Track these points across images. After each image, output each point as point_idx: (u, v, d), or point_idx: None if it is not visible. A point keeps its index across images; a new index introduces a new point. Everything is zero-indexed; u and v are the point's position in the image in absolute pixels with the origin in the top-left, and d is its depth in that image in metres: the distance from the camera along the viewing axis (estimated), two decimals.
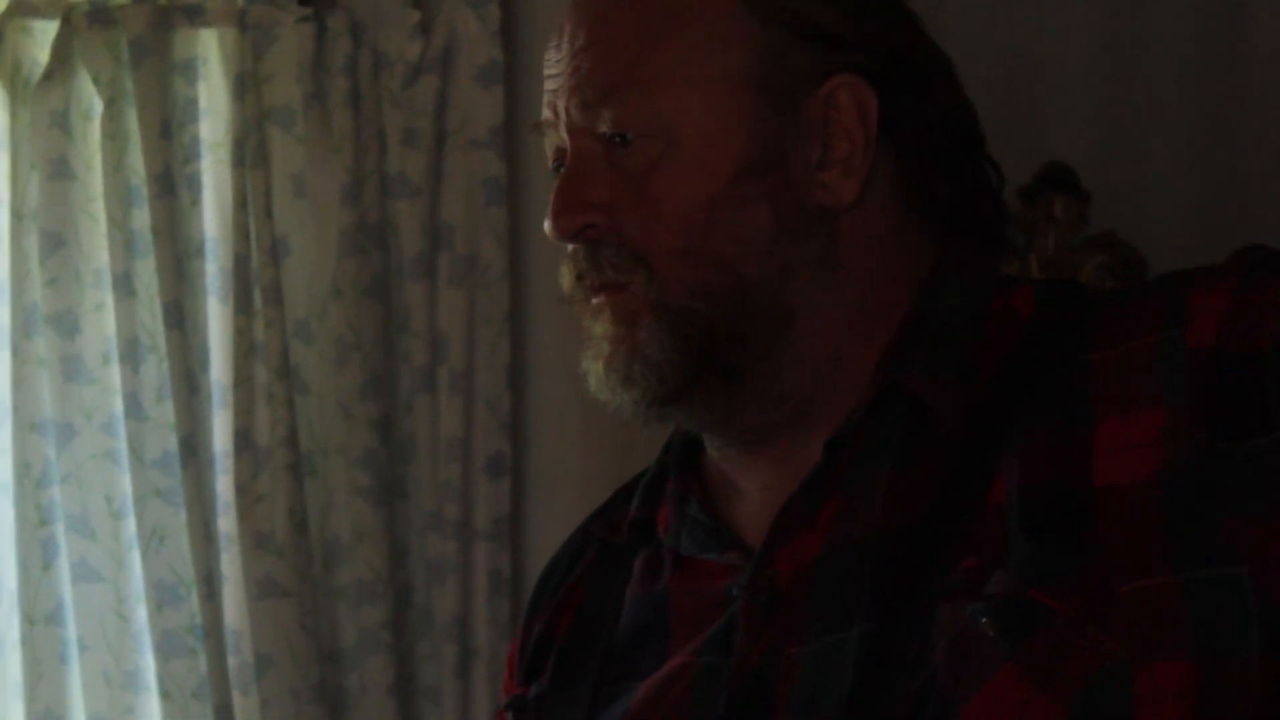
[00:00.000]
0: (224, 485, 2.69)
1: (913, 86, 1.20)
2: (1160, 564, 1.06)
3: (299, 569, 2.69)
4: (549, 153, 1.24)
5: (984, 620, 1.07)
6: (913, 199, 1.21)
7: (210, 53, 2.70)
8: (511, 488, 2.81)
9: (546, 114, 1.22)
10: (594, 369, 1.20)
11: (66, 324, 2.65)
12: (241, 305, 2.67)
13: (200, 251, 2.69)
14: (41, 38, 2.63)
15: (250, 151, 2.68)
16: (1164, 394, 1.10)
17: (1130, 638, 1.05)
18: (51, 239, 2.64)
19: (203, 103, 2.70)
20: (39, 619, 2.64)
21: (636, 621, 1.24)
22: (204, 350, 2.69)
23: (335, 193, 2.71)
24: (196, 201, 2.69)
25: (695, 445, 1.27)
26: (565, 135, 1.21)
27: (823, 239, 1.18)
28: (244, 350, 2.68)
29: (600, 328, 1.20)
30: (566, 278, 1.22)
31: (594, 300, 1.20)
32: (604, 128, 1.19)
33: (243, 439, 2.68)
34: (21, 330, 2.64)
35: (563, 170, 1.21)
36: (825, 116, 1.18)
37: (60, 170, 2.65)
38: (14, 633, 2.64)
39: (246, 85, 2.68)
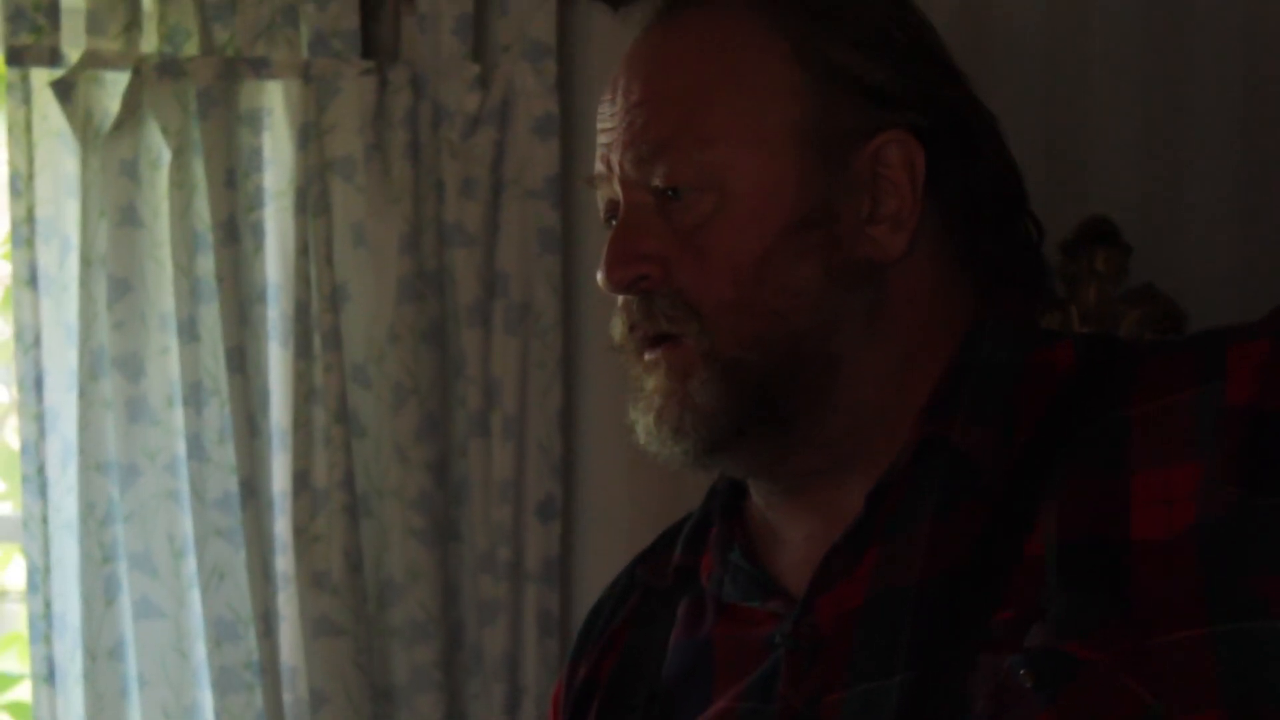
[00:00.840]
0: (282, 526, 2.73)
1: (959, 143, 1.21)
2: (1194, 616, 1.06)
3: (354, 608, 2.72)
4: (601, 205, 1.25)
5: (1022, 671, 1.08)
6: (957, 254, 1.22)
7: (275, 104, 2.74)
8: (562, 530, 2.82)
9: (599, 167, 1.23)
10: (644, 421, 1.20)
11: (132, 367, 2.69)
12: (302, 350, 2.71)
13: (262, 297, 2.73)
14: (113, 88, 2.68)
15: (312, 200, 2.72)
16: (1200, 448, 1.09)
17: (1164, 689, 1.06)
18: (119, 284, 2.69)
19: (267, 152, 2.74)
20: (101, 654, 2.68)
21: (680, 667, 1.25)
22: (264, 394, 2.72)
23: (394, 241, 2.75)
24: (259, 249, 2.73)
25: (740, 492, 1.27)
26: (618, 188, 1.21)
27: (871, 292, 1.19)
28: (303, 394, 2.71)
29: (653, 381, 1.19)
30: (619, 328, 1.22)
31: (648, 355, 1.20)
32: (657, 181, 1.19)
33: (301, 481, 2.71)
34: (89, 372, 2.68)
35: (616, 223, 1.22)
36: (874, 171, 1.19)
37: (128, 217, 2.69)
38: (76, 667, 2.68)
39: (309, 136, 2.72)
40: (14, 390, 2.71)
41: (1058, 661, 1.07)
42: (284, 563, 2.73)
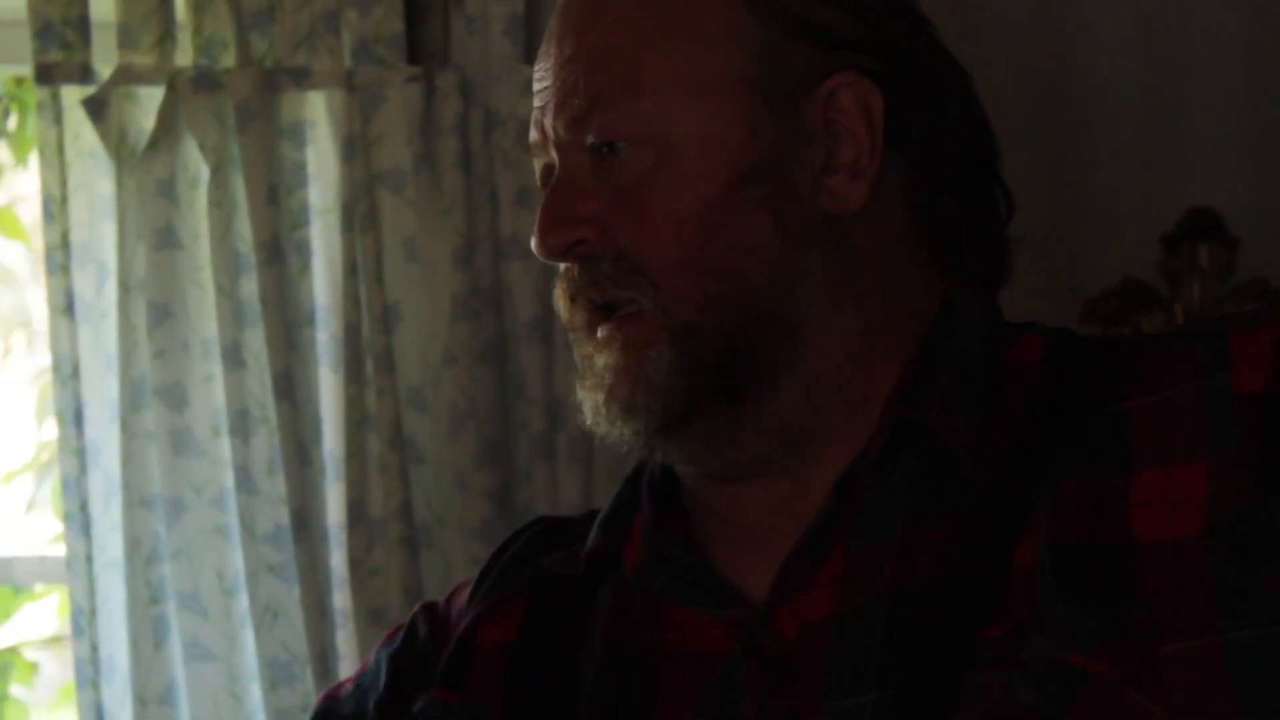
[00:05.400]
0: (338, 560, 2.64)
1: (923, 93, 1.14)
2: (1205, 624, 1.01)
3: None
4: (537, 170, 1.18)
5: (1022, 688, 1.01)
6: (921, 216, 1.15)
7: (318, 115, 2.65)
8: None
9: (534, 135, 1.16)
10: (591, 400, 1.14)
11: (175, 396, 2.61)
12: (353, 374, 2.62)
13: (310, 320, 2.64)
14: (147, 105, 2.60)
15: (360, 216, 2.62)
16: (1209, 444, 1.04)
17: (1175, 701, 1.00)
18: (159, 310, 2.60)
19: (311, 167, 2.65)
20: (151, 699, 2.60)
21: (608, 671, 1.15)
22: (315, 421, 2.64)
23: (447, 256, 2.65)
24: (306, 268, 2.64)
25: (674, 480, 1.18)
26: (554, 153, 1.15)
27: (830, 248, 1.13)
28: (356, 420, 2.62)
29: (605, 358, 1.13)
30: (561, 300, 1.15)
31: (601, 331, 1.13)
32: (591, 138, 1.13)
33: (356, 512, 2.61)
34: (130, 403, 2.59)
35: (550, 185, 1.14)
36: (827, 118, 1.12)
37: (167, 239, 2.61)
38: (126, 714, 2.60)
39: (355, 148, 2.62)
40: (53, 424, 2.62)
41: (1062, 675, 1.01)
42: (341, 599, 2.63)
